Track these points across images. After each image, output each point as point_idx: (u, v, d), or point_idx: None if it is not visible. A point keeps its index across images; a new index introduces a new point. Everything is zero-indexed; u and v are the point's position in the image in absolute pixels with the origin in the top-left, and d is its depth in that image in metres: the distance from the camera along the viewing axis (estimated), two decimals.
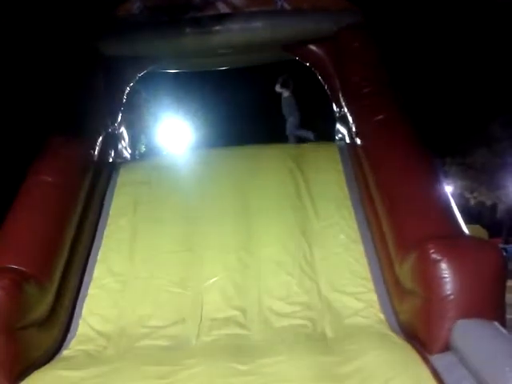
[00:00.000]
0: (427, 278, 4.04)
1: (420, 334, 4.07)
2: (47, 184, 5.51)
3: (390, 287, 4.84)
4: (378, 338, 4.26)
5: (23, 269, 4.50)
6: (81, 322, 5.02)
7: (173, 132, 10.20)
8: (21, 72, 7.03)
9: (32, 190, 5.48)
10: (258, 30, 7.30)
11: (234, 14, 7.24)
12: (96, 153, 6.48)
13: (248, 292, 5.12)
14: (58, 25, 6.90)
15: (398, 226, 4.80)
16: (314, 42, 7.52)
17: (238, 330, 4.69)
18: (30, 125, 7.20)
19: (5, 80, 6.20)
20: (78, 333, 4.91)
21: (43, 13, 6.86)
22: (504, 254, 4.44)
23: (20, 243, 4.83)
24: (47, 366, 4.34)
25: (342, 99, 7.02)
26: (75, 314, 5.10)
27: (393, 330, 4.46)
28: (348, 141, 6.90)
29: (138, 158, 8.30)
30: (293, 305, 4.91)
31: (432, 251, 4.04)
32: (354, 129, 6.39)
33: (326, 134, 7.86)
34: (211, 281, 5.25)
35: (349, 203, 5.87)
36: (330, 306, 4.84)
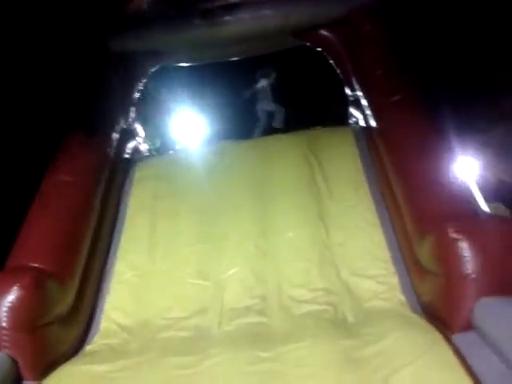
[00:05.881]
0: (447, 257, 3.99)
1: (441, 314, 4.02)
2: (65, 183, 5.56)
3: (411, 269, 4.79)
4: (399, 320, 4.21)
5: (44, 267, 4.56)
6: (103, 316, 5.08)
7: (188, 126, 10.21)
8: (34, 72, 7.10)
9: (50, 189, 5.54)
10: (268, 17, 7.26)
11: (244, 3, 7.21)
12: (112, 149, 6.55)
13: (267, 280, 5.11)
14: (69, 24, 6.93)
15: (416, 207, 4.75)
16: (324, 26, 7.43)
17: (259, 318, 4.68)
18: (45, 124, 7.28)
19: (19, 81, 6.26)
20: (100, 328, 4.96)
21: (54, 12, 6.89)
22: None
23: (40, 242, 4.87)
24: (71, 360, 4.39)
25: (354, 82, 6.95)
26: (97, 310, 5.16)
27: (414, 312, 4.41)
28: (362, 124, 6.83)
29: (154, 152, 8.32)
30: (313, 291, 4.88)
31: (451, 230, 4.00)
32: (368, 111, 6.31)
33: (339, 119, 7.77)
34: (231, 271, 5.25)
35: (366, 186, 5.81)
36: (350, 290, 4.80)
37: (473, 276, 3.84)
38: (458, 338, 3.72)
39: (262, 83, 9.35)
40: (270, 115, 9.48)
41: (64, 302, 4.58)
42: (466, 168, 5.73)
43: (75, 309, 4.77)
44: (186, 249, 5.63)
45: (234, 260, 5.38)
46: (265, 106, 9.49)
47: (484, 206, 4.62)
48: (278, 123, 9.49)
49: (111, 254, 5.71)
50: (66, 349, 4.48)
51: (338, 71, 7.55)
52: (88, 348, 4.69)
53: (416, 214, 4.69)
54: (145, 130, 8.20)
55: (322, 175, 6.07)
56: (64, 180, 5.58)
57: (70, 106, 6.75)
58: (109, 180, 6.23)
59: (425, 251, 4.37)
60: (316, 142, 6.66)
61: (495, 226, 4.11)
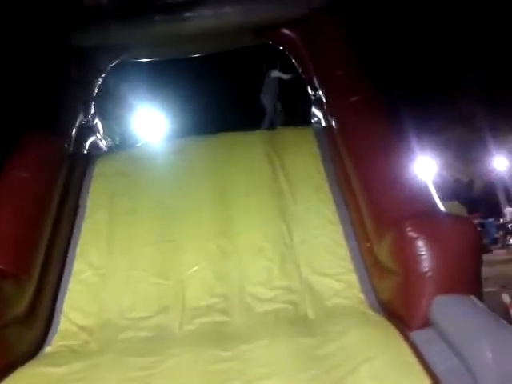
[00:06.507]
0: (405, 255, 4.09)
1: (399, 311, 4.12)
2: (22, 180, 5.42)
3: (370, 267, 4.88)
4: (358, 318, 4.30)
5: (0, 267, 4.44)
6: (62, 317, 4.99)
7: (148, 122, 10.11)
8: None
9: (6, 186, 5.39)
10: (229, 15, 7.23)
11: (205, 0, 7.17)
12: (70, 145, 6.40)
13: (229, 279, 5.12)
14: (27, 19, 6.75)
15: (375, 206, 4.83)
16: (286, 25, 7.46)
17: (220, 317, 4.70)
18: (2, 121, 7.08)
19: None
20: (59, 328, 4.88)
21: (12, 7, 6.70)
22: (481, 229, 4.50)
23: None
24: (30, 362, 4.30)
25: (316, 82, 7.00)
26: (56, 310, 5.06)
27: (373, 309, 4.51)
28: (324, 123, 6.89)
29: (113, 149, 8.19)
30: (274, 289, 4.92)
31: (409, 229, 4.09)
32: (329, 111, 6.38)
33: (302, 118, 7.84)
34: (192, 270, 5.23)
35: (326, 185, 5.88)
36: (311, 288, 4.86)
37: (429, 274, 3.94)
38: (415, 335, 3.81)
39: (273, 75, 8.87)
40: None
41: (21, 302, 4.46)
42: (424, 168, 5.87)
43: (33, 309, 4.66)
44: (146, 247, 5.56)
45: (195, 259, 5.35)
46: (266, 99, 8.96)
47: (441, 205, 4.74)
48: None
49: (70, 253, 5.59)
50: (24, 350, 4.38)
51: (300, 70, 7.61)
52: (47, 349, 4.60)
53: (375, 213, 4.78)
54: (104, 126, 8.08)
55: (284, 175, 6.10)
56: (21, 177, 5.43)
57: (28, 101, 6.58)
58: (67, 176, 6.09)
59: (383, 250, 4.46)
60: (278, 142, 6.67)
61: (451, 225, 4.23)
